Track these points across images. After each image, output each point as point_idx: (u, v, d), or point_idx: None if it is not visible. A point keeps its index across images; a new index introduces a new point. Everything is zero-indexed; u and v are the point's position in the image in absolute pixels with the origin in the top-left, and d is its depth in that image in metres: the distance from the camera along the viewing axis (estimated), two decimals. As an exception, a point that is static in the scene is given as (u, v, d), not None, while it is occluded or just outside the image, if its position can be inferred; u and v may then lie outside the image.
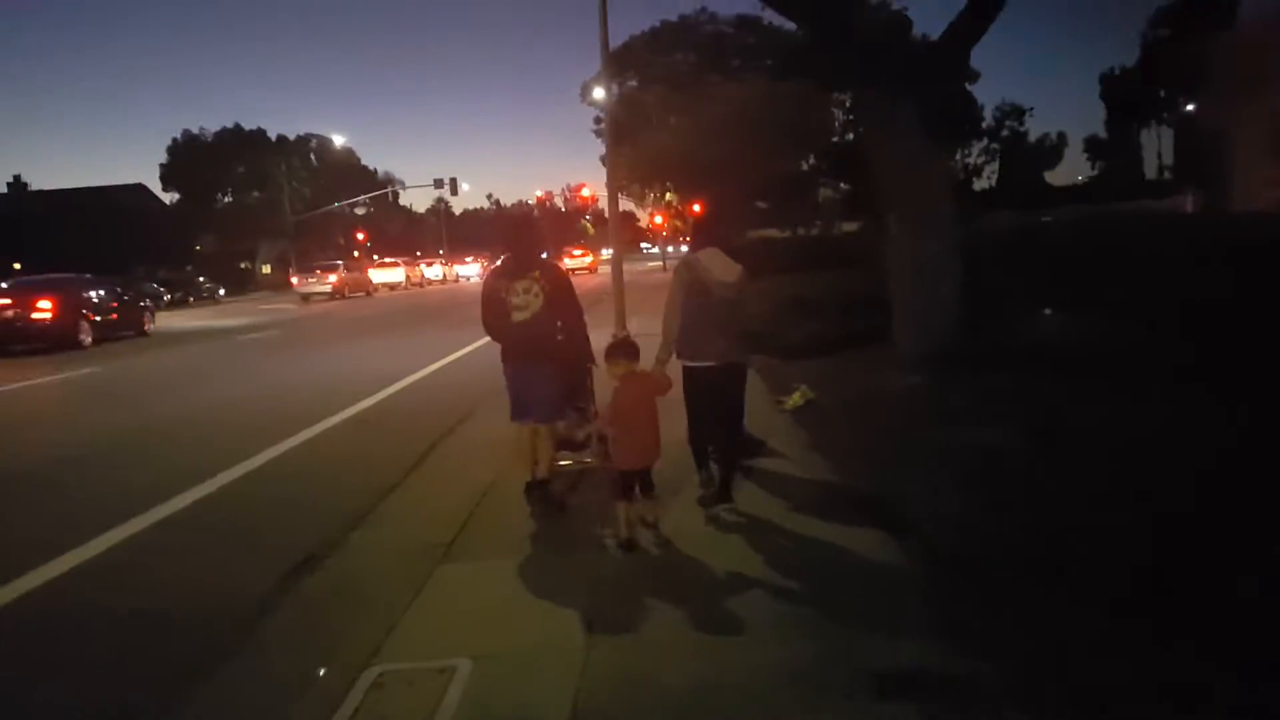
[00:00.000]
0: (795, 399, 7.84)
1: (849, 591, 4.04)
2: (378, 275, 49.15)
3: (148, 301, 28.05)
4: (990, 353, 7.93)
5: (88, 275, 23.58)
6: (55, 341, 19.85)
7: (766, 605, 3.96)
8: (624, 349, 4.85)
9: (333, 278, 41.56)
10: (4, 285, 21.85)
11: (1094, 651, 3.25)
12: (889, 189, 8.26)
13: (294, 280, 42.10)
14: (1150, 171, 77.09)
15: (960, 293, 8.12)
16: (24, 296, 20.28)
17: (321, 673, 3.68)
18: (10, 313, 19.94)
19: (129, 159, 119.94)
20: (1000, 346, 8.23)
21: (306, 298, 40.26)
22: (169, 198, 70.97)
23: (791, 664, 3.36)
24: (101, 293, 22.52)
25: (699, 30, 47.33)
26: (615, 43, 45.42)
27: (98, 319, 21.60)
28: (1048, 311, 10.30)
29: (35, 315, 19.91)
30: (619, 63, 43.59)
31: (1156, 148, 78.96)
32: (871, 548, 4.52)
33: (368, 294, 44.27)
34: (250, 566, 5.08)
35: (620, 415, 4.76)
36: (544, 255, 5.98)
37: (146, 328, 24.20)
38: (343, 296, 40.95)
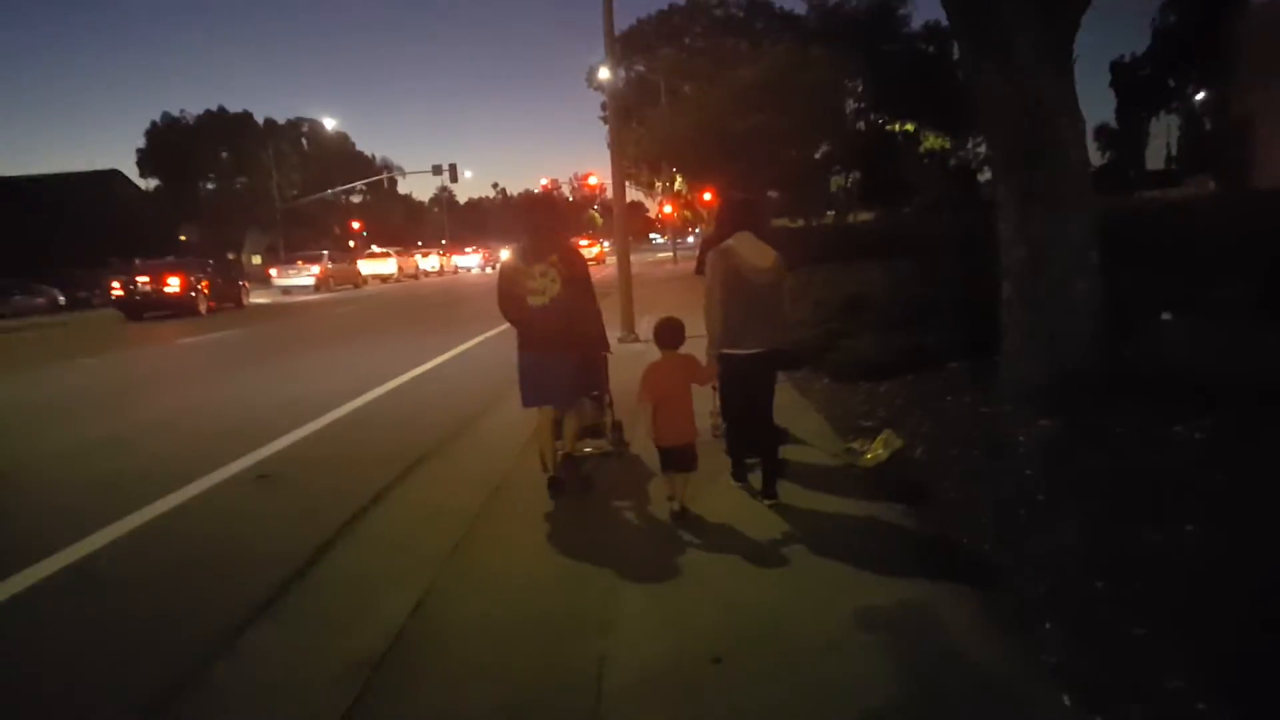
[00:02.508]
0: (877, 449, 5.56)
1: None
2: (367, 267, 46.73)
3: (244, 280, 33.24)
4: (1134, 378, 5.60)
5: (209, 259, 31.55)
6: (181, 309, 26.38)
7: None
8: (673, 332, 4.99)
9: (315, 269, 38.92)
10: (138, 264, 29.24)
11: None
12: (1003, 149, 5.91)
13: (273, 272, 39.49)
14: (1158, 161, 75.53)
15: (1101, 294, 5.80)
16: (157, 274, 26.61)
17: None
18: (149, 286, 26.32)
19: (104, 144, 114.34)
20: (1140, 368, 5.88)
21: (287, 291, 37.71)
22: (148, 185, 68.10)
23: None
24: (210, 271, 29.07)
25: (708, 13, 46.60)
26: (623, 25, 45.06)
27: (209, 293, 27.74)
28: (1166, 316, 7.98)
29: (166, 289, 26.27)
30: (626, 46, 42.72)
31: (1166, 137, 77.20)
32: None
33: (355, 287, 41.83)
34: None
35: (653, 390, 4.86)
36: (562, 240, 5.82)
37: (243, 301, 30.69)
38: (328, 289, 38.54)
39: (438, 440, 7.55)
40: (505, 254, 6.43)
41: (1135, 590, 3.41)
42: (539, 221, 5.59)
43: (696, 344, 5.17)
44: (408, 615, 3.93)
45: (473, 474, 6.39)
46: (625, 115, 32.73)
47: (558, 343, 5.39)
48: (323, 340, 17.39)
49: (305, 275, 38.68)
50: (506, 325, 5.75)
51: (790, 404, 7.73)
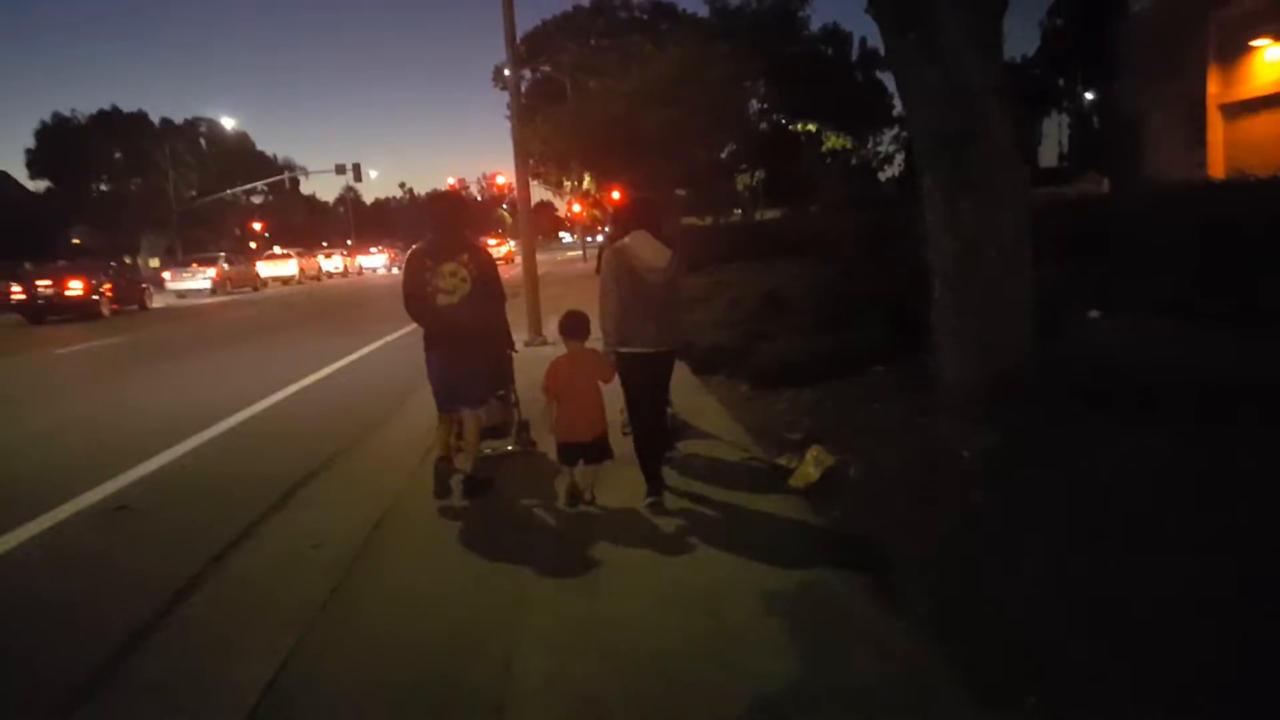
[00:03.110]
0: (807, 469, 5.05)
1: None
2: (267, 269, 44.75)
3: (145, 282, 32.59)
4: (1071, 380, 5.22)
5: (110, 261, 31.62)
6: (83, 312, 25.70)
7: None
8: (578, 324, 5.08)
9: (211, 272, 36.96)
10: (29, 267, 29.49)
11: None
12: (929, 139, 5.47)
13: (166, 276, 37.38)
14: (1050, 159, 78.33)
15: (1035, 292, 5.42)
16: (59, 276, 26.00)
17: None
18: (50, 290, 25.56)
19: None
20: (1076, 370, 5.52)
21: (181, 295, 35.65)
22: (38, 186, 64.54)
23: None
24: (113, 273, 28.93)
25: (613, 15, 46.55)
26: (527, 26, 44.75)
27: (112, 295, 27.06)
28: (1094, 314, 7.75)
29: (69, 292, 25.56)
30: (531, 47, 42.31)
31: (1057, 136, 79.79)
32: None
33: (255, 289, 39.96)
34: None
35: (556, 384, 4.94)
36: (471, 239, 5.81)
37: (146, 303, 29.67)
38: (225, 292, 36.66)
39: (327, 455, 6.92)
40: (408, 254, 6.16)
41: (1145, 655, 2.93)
42: (448, 220, 5.56)
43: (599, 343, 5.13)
44: (261, 693, 3.27)
45: (363, 494, 5.82)
46: (531, 113, 32.08)
47: (467, 341, 5.36)
48: (215, 345, 16.22)
49: (200, 278, 36.80)
50: (410, 327, 5.89)
51: (708, 411, 7.24)
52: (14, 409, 10.30)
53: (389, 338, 14.35)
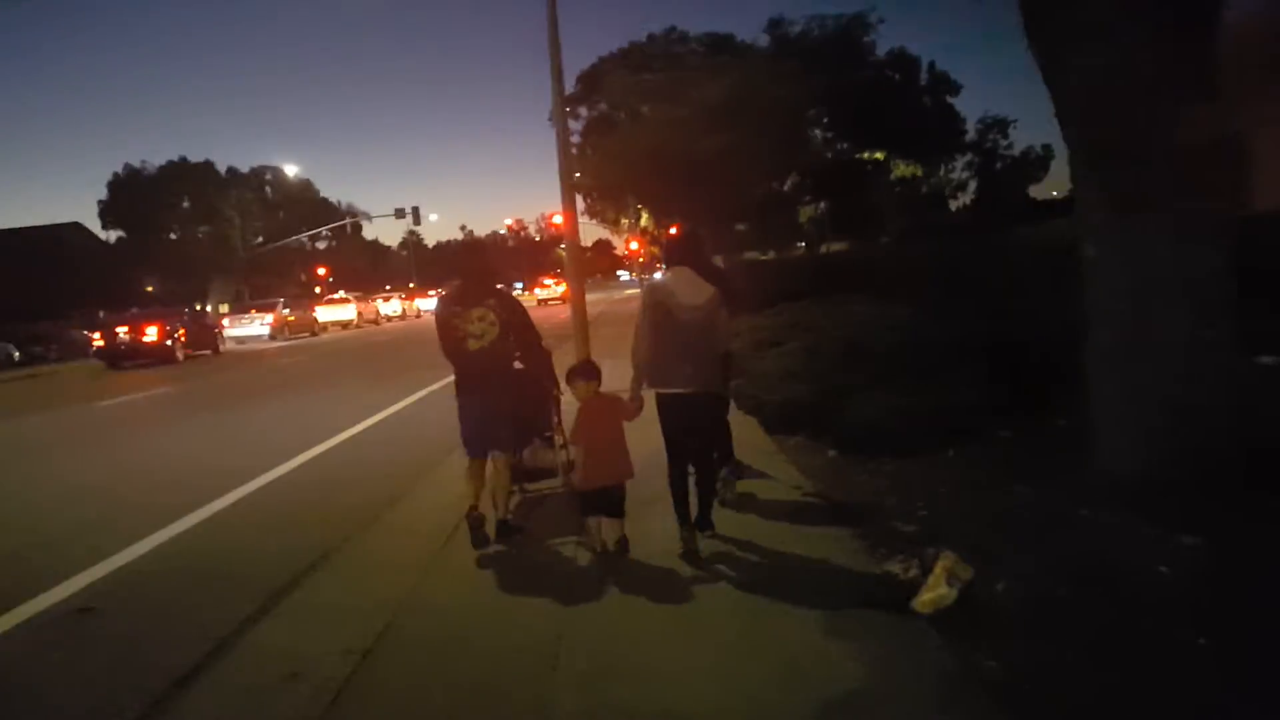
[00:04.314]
0: (938, 585, 3.71)
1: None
2: (325, 313, 44.50)
3: (219, 327, 34.25)
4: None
5: (184, 308, 33.29)
6: (158, 357, 26.74)
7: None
8: (583, 371, 5.02)
9: (269, 318, 36.85)
10: (102, 316, 31.11)
11: None
12: (1091, 143, 4.18)
13: (225, 322, 37.30)
14: None
15: (1235, 341, 4.08)
16: (135, 324, 27.17)
17: None
18: (128, 336, 26.79)
19: (66, 197, 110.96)
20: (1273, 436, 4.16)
21: (240, 341, 35.49)
22: (111, 236, 65.95)
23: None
24: (187, 319, 30.00)
25: (670, 50, 45.62)
26: (584, 65, 44.21)
27: (185, 340, 28.18)
28: (1267, 359, 6.35)
29: (145, 339, 26.76)
30: (588, 85, 41.49)
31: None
32: None
33: (313, 334, 39.64)
34: None
35: (580, 434, 4.86)
36: (499, 285, 5.85)
37: (220, 348, 31.12)
38: (284, 337, 36.41)
39: (339, 539, 5.87)
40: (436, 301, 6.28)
41: None
42: (473, 267, 5.69)
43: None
44: None
45: (359, 601, 4.70)
46: (583, 148, 31.25)
47: (497, 385, 5.37)
48: (256, 395, 15.38)
49: (258, 324, 36.76)
50: (449, 378, 5.61)
51: (787, 484, 5.98)
52: (19, 471, 9.45)
53: (432, 387, 13.36)
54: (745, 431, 7.55)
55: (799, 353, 9.34)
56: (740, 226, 38.17)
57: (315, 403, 13.95)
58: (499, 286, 5.80)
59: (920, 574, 3.86)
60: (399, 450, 9.02)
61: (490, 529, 5.35)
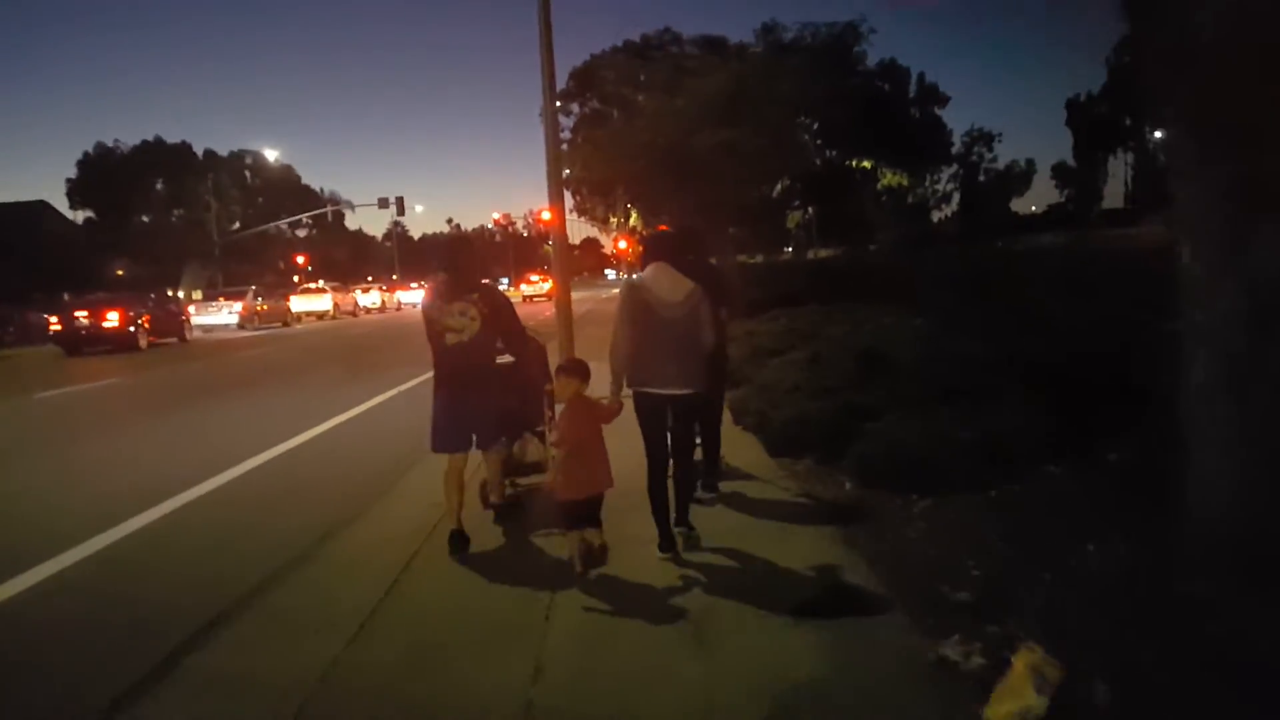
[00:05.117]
0: (1021, 690, 2.74)
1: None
2: (300, 303, 43.23)
3: (185, 313, 32.45)
4: None
5: (150, 293, 30.59)
6: (120, 344, 25.44)
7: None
8: (575, 368, 4.79)
9: (237, 306, 35.51)
10: (66, 299, 29.47)
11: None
12: (1212, 128, 3.32)
13: (191, 310, 35.66)
14: (1115, 200, 76.72)
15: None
16: (96, 308, 25.79)
17: None
18: (87, 321, 25.38)
19: (32, 175, 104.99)
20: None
21: (207, 329, 34.15)
22: (79, 217, 64.42)
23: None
24: (152, 305, 28.45)
25: (663, 49, 45.22)
26: (576, 60, 43.52)
27: (149, 327, 26.91)
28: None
29: (105, 324, 25.33)
30: (580, 81, 40.85)
31: (1124, 176, 77.41)
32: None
33: (285, 325, 38.28)
34: None
35: (565, 441, 4.62)
36: (484, 280, 5.90)
37: (187, 336, 29.83)
38: (254, 327, 35.15)
39: (283, 562, 5.07)
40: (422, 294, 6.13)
41: None
42: (457, 261, 5.60)
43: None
44: None
45: (313, 622, 4.05)
46: (573, 142, 30.53)
47: (477, 380, 5.28)
48: (214, 391, 14.34)
49: (226, 313, 35.50)
50: (427, 374, 5.50)
51: (798, 523, 5.14)
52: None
53: (403, 386, 12.45)
54: (746, 453, 6.75)
55: (802, 363, 8.51)
56: (731, 230, 37.68)
57: (279, 396, 13.10)
58: (485, 281, 5.80)
59: (984, 662, 3.02)
60: (360, 456, 8.17)
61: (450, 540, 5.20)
